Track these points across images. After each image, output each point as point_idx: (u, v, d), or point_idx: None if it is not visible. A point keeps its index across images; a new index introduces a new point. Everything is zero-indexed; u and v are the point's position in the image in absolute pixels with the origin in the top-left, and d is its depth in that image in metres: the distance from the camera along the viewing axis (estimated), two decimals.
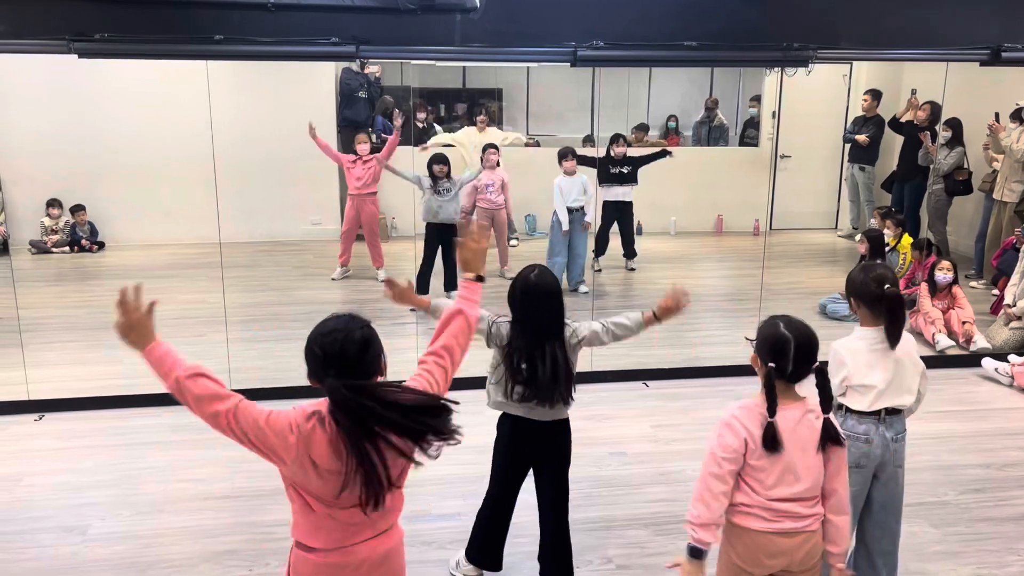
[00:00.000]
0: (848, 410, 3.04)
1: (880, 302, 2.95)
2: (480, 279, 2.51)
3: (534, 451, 3.26)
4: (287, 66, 8.55)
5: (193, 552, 3.68)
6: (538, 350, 3.04)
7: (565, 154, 7.65)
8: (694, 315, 7.26)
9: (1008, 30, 5.42)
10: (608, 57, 5.14)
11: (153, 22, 4.67)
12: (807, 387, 2.53)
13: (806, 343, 2.47)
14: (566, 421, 3.26)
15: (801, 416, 2.47)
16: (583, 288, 7.61)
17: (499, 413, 3.30)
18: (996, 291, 7.14)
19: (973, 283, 7.70)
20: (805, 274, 8.48)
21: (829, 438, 2.48)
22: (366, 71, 9.43)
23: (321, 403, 2.07)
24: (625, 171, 8.11)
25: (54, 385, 5.29)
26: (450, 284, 7.12)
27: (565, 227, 7.53)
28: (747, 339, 2.34)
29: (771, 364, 2.45)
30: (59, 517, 3.95)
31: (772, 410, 2.43)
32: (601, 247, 8.28)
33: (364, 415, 1.99)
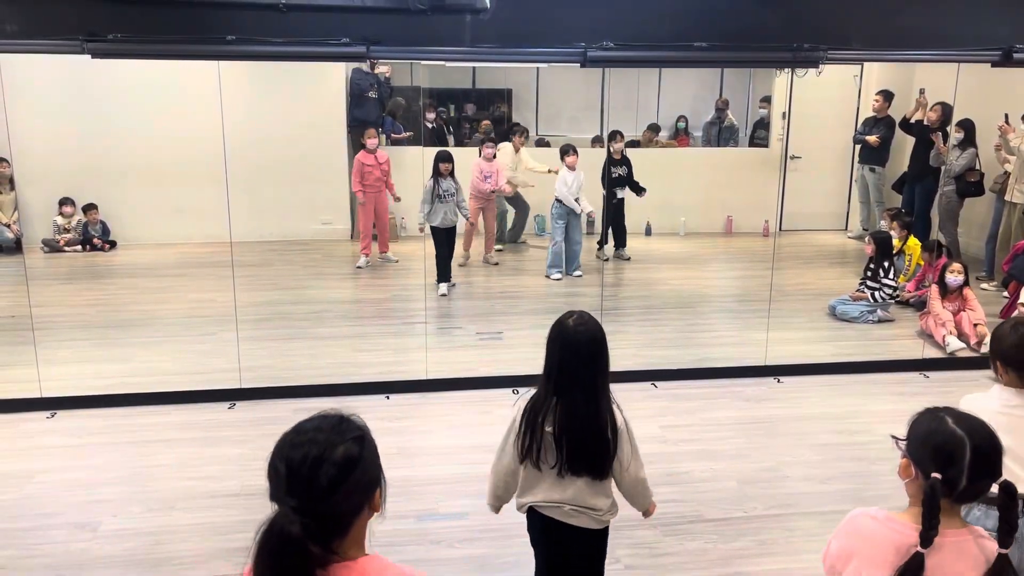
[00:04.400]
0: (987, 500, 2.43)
1: None
2: None
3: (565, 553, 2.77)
4: (298, 66, 8.59)
5: (203, 549, 3.70)
6: (569, 404, 2.56)
7: (567, 150, 8.21)
8: (704, 316, 7.27)
9: (1019, 31, 5.38)
10: (618, 58, 5.14)
11: (166, 23, 4.70)
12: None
13: (989, 448, 1.78)
14: (599, 534, 2.71)
15: (961, 549, 1.81)
16: (577, 272, 8.23)
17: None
18: (1006, 293, 7.11)
19: (984, 285, 7.66)
20: (815, 275, 8.46)
21: None
22: (376, 71, 9.47)
23: None
24: (622, 173, 8.62)
25: (66, 383, 5.33)
26: (443, 274, 7.68)
27: (578, 209, 8.12)
28: (894, 438, 1.91)
29: (936, 475, 1.76)
30: (71, 513, 3.98)
31: (928, 539, 1.75)
32: (605, 239, 8.83)
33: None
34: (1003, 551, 1.76)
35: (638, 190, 8.74)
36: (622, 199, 8.74)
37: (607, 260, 8.66)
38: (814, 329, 6.77)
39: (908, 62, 8.54)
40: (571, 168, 8.12)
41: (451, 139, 10.67)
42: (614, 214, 8.70)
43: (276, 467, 1.50)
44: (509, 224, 9.47)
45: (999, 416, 2.45)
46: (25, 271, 6.25)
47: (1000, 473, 1.79)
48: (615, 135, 8.68)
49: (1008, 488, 1.77)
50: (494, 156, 8.49)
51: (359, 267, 8.40)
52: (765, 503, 4.09)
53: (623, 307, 7.32)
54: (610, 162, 8.49)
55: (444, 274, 7.59)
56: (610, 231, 8.85)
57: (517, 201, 9.34)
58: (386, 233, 8.62)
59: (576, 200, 8.07)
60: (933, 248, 7.28)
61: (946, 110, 7.92)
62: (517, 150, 9.08)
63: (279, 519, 1.44)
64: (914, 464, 1.84)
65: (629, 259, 8.88)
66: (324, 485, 1.46)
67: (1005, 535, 1.76)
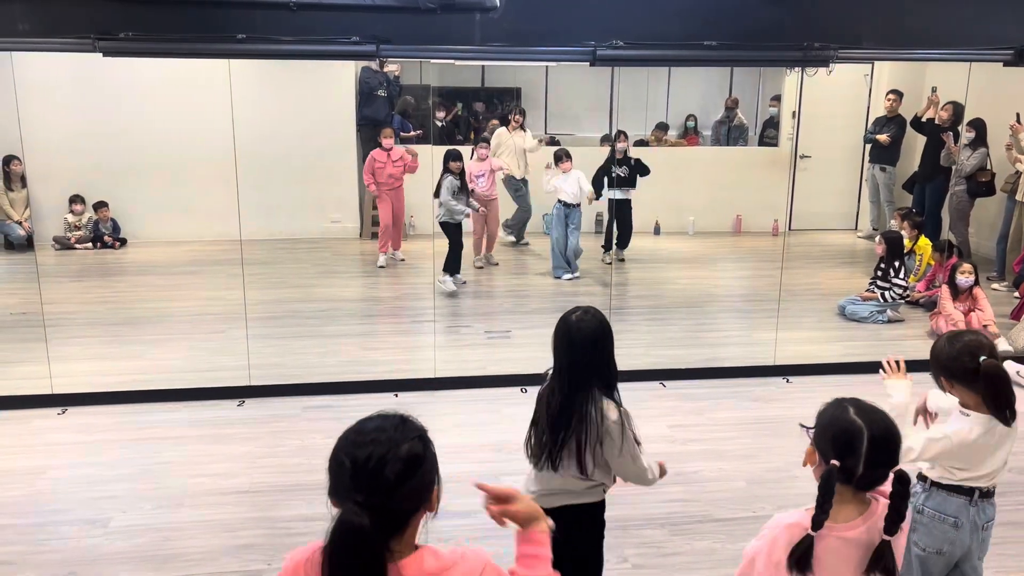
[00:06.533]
0: (935, 484, 2.65)
1: (977, 378, 2.47)
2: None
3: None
4: (308, 65, 8.62)
5: (212, 546, 3.72)
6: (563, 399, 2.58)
7: (560, 156, 8.20)
8: (712, 315, 7.26)
9: None
10: (627, 56, 5.14)
11: (177, 21, 4.72)
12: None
13: (885, 438, 1.87)
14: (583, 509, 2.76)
15: (861, 533, 1.92)
16: (567, 276, 8.12)
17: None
18: (1017, 294, 7.07)
19: (995, 285, 7.63)
20: (824, 275, 8.43)
21: (880, 566, 1.88)
22: (385, 70, 9.48)
23: None
24: (623, 174, 8.50)
25: (77, 379, 5.35)
26: (451, 267, 7.58)
27: (588, 190, 8.11)
28: (802, 426, 2.08)
29: (835, 463, 1.89)
30: (81, 510, 4.00)
31: (819, 522, 1.89)
32: (609, 242, 8.71)
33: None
34: (886, 537, 1.86)
35: (642, 170, 8.56)
36: (628, 200, 8.64)
37: (610, 263, 8.62)
38: (823, 329, 6.75)
39: (919, 61, 8.50)
40: (565, 172, 8.13)
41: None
42: (619, 214, 8.63)
43: (341, 462, 1.54)
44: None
45: (982, 443, 2.58)
46: (36, 268, 6.29)
47: (896, 463, 1.89)
48: (619, 135, 8.64)
49: (902, 477, 1.85)
50: (486, 157, 8.45)
51: (381, 266, 8.34)
52: (774, 503, 4.08)
53: (631, 306, 7.31)
54: (613, 162, 8.42)
55: (454, 266, 7.54)
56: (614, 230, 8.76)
57: (521, 201, 9.29)
58: (399, 231, 8.63)
59: (577, 206, 8.13)
60: (944, 248, 7.25)
61: (957, 109, 7.88)
62: (512, 132, 8.97)
63: (347, 515, 1.47)
64: (817, 452, 1.97)
65: (623, 260, 8.76)
66: (391, 481, 1.52)
67: (892, 523, 1.85)
